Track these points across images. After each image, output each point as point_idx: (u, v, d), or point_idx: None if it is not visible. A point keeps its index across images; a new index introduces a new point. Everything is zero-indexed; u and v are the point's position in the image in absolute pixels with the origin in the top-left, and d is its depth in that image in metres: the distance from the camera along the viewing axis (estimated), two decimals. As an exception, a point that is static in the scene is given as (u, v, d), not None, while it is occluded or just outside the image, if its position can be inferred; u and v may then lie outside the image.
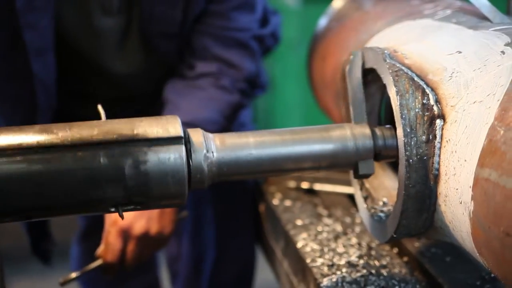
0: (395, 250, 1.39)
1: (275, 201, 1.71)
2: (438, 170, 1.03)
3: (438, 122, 1.03)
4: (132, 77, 1.78)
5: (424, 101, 1.04)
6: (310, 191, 1.75)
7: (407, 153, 1.04)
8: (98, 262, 1.60)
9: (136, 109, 1.71)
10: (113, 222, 1.58)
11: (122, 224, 1.57)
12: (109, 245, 1.58)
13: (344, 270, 1.30)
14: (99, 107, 1.11)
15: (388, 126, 1.17)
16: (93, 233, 1.90)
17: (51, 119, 1.73)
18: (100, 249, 1.61)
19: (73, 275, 1.58)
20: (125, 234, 1.58)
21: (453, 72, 1.04)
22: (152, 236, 1.59)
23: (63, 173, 1.03)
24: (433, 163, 1.04)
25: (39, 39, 1.61)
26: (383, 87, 1.19)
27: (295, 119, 3.25)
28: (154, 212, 1.59)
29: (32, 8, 1.57)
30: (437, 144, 1.03)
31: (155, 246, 1.63)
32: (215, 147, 1.11)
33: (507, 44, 1.01)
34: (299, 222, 1.56)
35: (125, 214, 1.56)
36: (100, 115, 1.11)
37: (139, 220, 1.58)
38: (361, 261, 1.33)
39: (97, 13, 1.68)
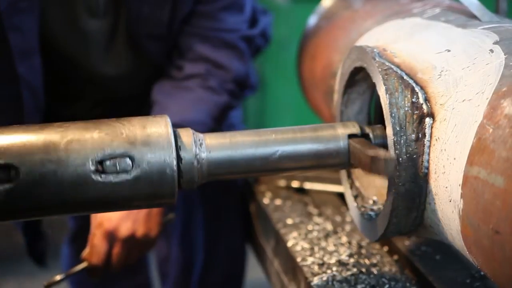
0: (385, 248, 1.39)
1: (266, 200, 1.71)
2: (427, 168, 1.03)
3: (428, 120, 1.04)
4: (120, 79, 1.77)
5: (414, 100, 1.05)
6: (301, 190, 1.75)
7: (396, 151, 1.04)
8: (83, 265, 1.59)
9: (124, 110, 1.70)
10: (99, 224, 1.57)
11: (108, 227, 1.56)
12: (94, 248, 1.57)
13: (334, 268, 1.30)
14: None
15: (378, 125, 1.17)
16: (83, 234, 1.89)
17: (39, 121, 1.72)
18: (86, 252, 1.60)
19: (58, 277, 1.56)
20: (111, 237, 1.57)
21: (442, 71, 1.05)
22: (138, 238, 1.58)
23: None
24: (422, 161, 1.04)
25: (24, 41, 1.59)
26: (373, 86, 1.19)
27: (287, 118, 3.25)
28: (141, 214, 1.58)
29: (16, 11, 1.56)
30: (426, 143, 1.03)
31: (142, 249, 1.62)
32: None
33: (495, 43, 1.02)
34: (289, 221, 1.56)
35: (111, 216, 1.57)
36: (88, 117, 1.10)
37: (125, 222, 1.56)
38: (352, 260, 1.33)
39: (83, 15, 1.67)
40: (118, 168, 1.04)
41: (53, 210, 1.07)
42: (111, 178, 1.04)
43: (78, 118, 1.13)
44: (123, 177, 1.05)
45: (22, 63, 1.61)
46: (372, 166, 1.04)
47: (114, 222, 1.56)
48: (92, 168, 1.03)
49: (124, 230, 1.56)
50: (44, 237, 1.91)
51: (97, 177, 1.04)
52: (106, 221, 1.56)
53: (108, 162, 1.04)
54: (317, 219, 1.56)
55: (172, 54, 1.78)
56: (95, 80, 1.77)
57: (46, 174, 1.02)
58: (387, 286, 1.23)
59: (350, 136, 1.15)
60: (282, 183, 1.78)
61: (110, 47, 1.73)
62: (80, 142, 1.04)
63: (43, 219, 1.88)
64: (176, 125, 1.13)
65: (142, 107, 1.81)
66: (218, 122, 1.72)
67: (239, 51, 1.77)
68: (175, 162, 1.06)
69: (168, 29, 1.72)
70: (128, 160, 1.05)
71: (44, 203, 1.04)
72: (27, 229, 1.85)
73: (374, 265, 1.31)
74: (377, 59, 1.10)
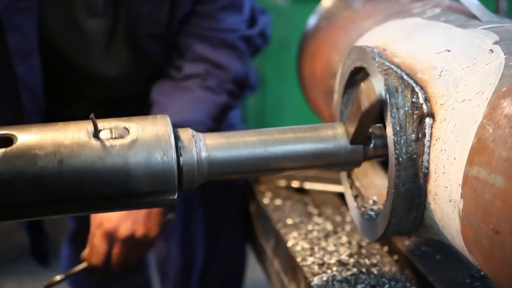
0: (385, 248, 1.39)
1: (266, 200, 1.71)
2: (427, 168, 1.03)
3: (428, 120, 1.04)
4: (119, 79, 1.78)
5: (414, 100, 1.05)
6: (301, 190, 1.75)
7: (396, 151, 1.04)
8: (83, 265, 1.59)
9: (124, 110, 1.70)
10: (98, 224, 1.57)
11: (108, 227, 1.56)
12: (94, 248, 1.57)
13: (334, 268, 1.30)
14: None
15: (378, 125, 1.17)
16: (83, 234, 1.89)
17: (39, 121, 1.72)
18: (85, 252, 1.60)
19: (57, 278, 1.56)
20: (111, 237, 1.57)
21: (442, 71, 1.05)
22: (137, 238, 1.58)
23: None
24: (422, 161, 1.04)
25: (23, 41, 1.59)
26: (373, 86, 1.19)
27: (287, 118, 3.25)
28: (140, 215, 1.58)
29: (15, 10, 1.56)
30: (426, 143, 1.03)
31: (141, 249, 1.62)
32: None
33: (495, 43, 1.02)
34: (289, 221, 1.56)
35: (110, 216, 1.57)
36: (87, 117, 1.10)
37: (124, 223, 1.56)
38: (352, 260, 1.33)
39: (82, 14, 1.67)
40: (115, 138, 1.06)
41: (51, 175, 1.04)
42: (108, 142, 1.05)
43: (77, 118, 1.13)
44: (121, 147, 1.06)
45: (21, 63, 1.61)
46: (364, 100, 1.04)
47: (114, 223, 1.56)
48: (90, 133, 1.05)
49: (124, 230, 1.56)
50: (47, 237, 1.91)
51: (94, 141, 1.05)
52: (106, 221, 1.56)
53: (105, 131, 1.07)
54: (317, 219, 1.56)
55: (171, 54, 1.78)
56: (95, 80, 1.77)
57: (43, 138, 1.04)
58: (387, 286, 1.23)
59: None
60: (282, 183, 1.78)
61: (109, 47, 1.73)
62: (77, 122, 1.07)
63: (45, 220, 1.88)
64: (175, 125, 1.13)
65: (142, 107, 1.81)
66: (217, 122, 1.72)
67: (238, 51, 1.78)
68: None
69: (167, 29, 1.72)
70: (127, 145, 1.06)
71: (40, 165, 1.03)
72: (31, 228, 1.85)
73: (374, 265, 1.31)
74: (377, 59, 1.10)
